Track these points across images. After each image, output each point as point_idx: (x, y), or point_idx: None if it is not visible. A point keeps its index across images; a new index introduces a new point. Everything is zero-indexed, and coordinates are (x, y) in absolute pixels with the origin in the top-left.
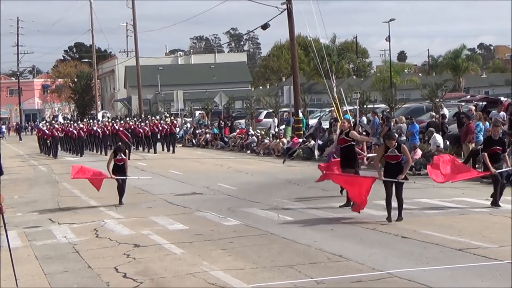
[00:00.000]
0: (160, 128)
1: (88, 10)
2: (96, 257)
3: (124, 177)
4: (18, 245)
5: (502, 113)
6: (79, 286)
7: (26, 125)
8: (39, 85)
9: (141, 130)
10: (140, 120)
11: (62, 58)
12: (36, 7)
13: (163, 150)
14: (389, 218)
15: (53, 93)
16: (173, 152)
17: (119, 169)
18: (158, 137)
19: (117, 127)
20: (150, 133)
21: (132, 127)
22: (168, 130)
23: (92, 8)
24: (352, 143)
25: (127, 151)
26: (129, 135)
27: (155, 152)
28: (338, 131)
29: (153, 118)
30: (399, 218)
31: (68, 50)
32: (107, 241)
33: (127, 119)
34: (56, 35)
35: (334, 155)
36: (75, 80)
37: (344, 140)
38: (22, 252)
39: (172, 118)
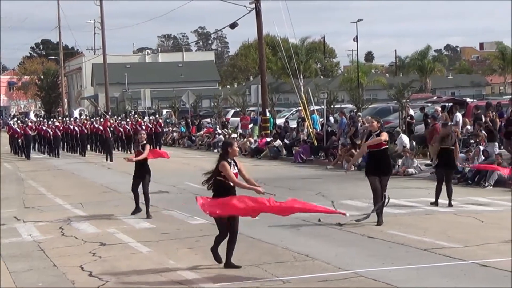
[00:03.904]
0: (144, 127)
1: (55, 7)
2: (62, 255)
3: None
4: None
5: (458, 113)
6: (44, 284)
7: None
8: (5, 82)
9: (121, 129)
10: (120, 118)
11: (29, 55)
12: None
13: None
14: (380, 221)
15: (19, 90)
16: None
17: (142, 169)
18: None
19: (97, 126)
20: (132, 133)
21: (113, 125)
22: (153, 129)
23: (60, 5)
24: (386, 146)
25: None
26: (110, 134)
27: None
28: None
29: (135, 116)
30: (378, 220)
31: (35, 47)
32: (73, 240)
33: (107, 116)
34: (23, 32)
35: (301, 154)
36: (42, 77)
37: (376, 144)
38: None
39: (156, 117)
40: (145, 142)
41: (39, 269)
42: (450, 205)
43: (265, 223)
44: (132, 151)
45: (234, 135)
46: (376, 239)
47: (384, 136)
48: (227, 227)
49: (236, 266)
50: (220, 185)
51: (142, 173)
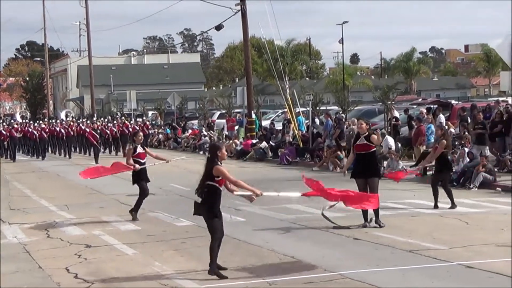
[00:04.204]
0: (131, 129)
1: (40, 8)
2: (47, 257)
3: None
4: None
5: (441, 115)
6: (30, 286)
7: None
8: None
9: (108, 131)
10: (107, 120)
11: (14, 56)
12: None
13: None
14: (365, 223)
15: (4, 92)
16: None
17: (144, 171)
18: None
19: (83, 128)
20: (119, 135)
21: (100, 127)
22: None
23: (45, 7)
24: (375, 149)
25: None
26: (98, 137)
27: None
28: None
29: (123, 118)
30: (377, 223)
31: (20, 49)
32: (58, 242)
33: (94, 118)
34: (8, 33)
35: (287, 156)
36: (27, 79)
37: (366, 146)
38: None
39: (143, 119)
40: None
41: (24, 271)
42: (453, 206)
43: (250, 225)
44: (116, 154)
45: (222, 139)
46: (362, 241)
47: (378, 137)
48: (221, 229)
49: (222, 268)
50: (213, 190)
51: (146, 175)
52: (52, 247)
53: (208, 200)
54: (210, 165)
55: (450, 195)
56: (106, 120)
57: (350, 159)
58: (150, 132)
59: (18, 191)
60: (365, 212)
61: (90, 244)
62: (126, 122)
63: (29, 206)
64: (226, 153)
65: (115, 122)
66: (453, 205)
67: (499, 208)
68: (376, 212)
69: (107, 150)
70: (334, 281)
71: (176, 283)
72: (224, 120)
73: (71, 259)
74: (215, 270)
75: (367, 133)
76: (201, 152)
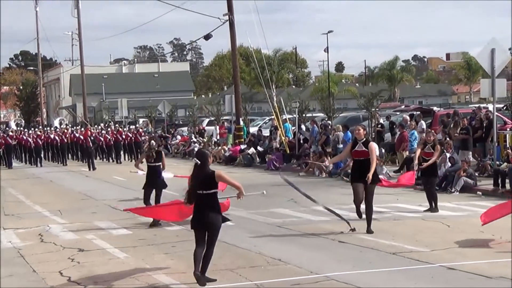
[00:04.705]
0: (124, 136)
1: (33, 19)
2: (41, 261)
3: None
4: None
5: (422, 121)
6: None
7: None
8: None
9: (102, 139)
10: (101, 127)
11: (8, 66)
12: None
13: (126, 159)
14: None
15: None
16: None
17: (155, 176)
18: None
19: (77, 135)
20: (112, 142)
21: (94, 135)
22: (133, 138)
23: (38, 17)
24: (370, 156)
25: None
26: (91, 144)
27: (119, 162)
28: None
29: (116, 125)
30: (368, 230)
31: (14, 58)
32: (52, 246)
33: (88, 126)
34: (2, 43)
35: (274, 162)
36: (21, 87)
37: (364, 152)
38: None
39: (136, 126)
40: (157, 149)
41: (19, 275)
42: (434, 209)
43: (238, 229)
44: (112, 161)
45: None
46: (347, 244)
47: (372, 146)
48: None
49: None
50: (216, 196)
51: (155, 180)
52: (45, 251)
53: (217, 208)
54: (206, 172)
55: (435, 199)
56: (99, 127)
57: (338, 157)
58: (142, 139)
59: (13, 197)
60: (359, 215)
61: (83, 248)
62: (120, 129)
63: (23, 211)
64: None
65: (109, 129)
66: (435, 209)
67: (479, 212)
68: (369, 217)
69: (103, 157)
70: (319, 283)
71: (166, 285)
72: (213, 127)
73: (64, 263)
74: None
75: (364, 139)
76: (191, 158)
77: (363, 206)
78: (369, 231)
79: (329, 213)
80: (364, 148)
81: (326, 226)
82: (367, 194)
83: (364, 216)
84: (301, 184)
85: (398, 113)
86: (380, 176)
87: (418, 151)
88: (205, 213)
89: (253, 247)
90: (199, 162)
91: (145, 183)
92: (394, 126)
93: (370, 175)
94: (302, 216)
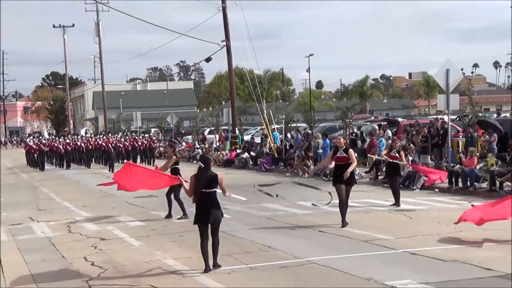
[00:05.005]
0: (140, 143)
1: (61, 45)
2: (69, 248)
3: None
4: (4, 239)
5: (388, 130)
6: (56, 272)
7: (8, 139)
8: (21, 107)
9: (121, 145)
10: (120, 136)
11: (40, 84)
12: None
13: (141, 163)
14: (344, 223)
15: (32, 113)
16: (153, 165)
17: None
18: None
19: (100, 142)
20: (130, 148)
21: (114, 142)
22: (147, 145)
23: (66, 43)
24: (351, 161)
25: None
26: (112, 149)
27: None
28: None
29: (133, 134)
30: (343, 222)
31: (45, 78)
32: (78, 236)
33: (109, 134)
34: (35, 65)
35: (265, 164)
36: (51, 103)
37: (345, 158)
38: (7, 245)
39: (150, 135)
40: (172, 155)
41: (50, 260)
42: (397, 204)
43: (235, 221)
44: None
45: (211, 151)
46: (326, 233)
47: (351, 153)
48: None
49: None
50: (215, 195)
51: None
52: (73, 240)
53: (217, 204)
54: (210, 173)
55: (397, 195)
56: (118, 136)
57: (323, 163)
58: (154, 145)
59: (45, 195)
60: (343, 213)
61: (104, 238)
62: (136, 137)
63: (54, 207)
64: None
65: (127, 137)
66: (398, 204)
67: (436, 206)
68: (344, 210)
69: (122, 161)
70: (303, 266)
71: (174, 268)
72: (213, 136)
73: (88, 250)
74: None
75: (344, 147)
76: (195, 162)
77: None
78: (344, 224)
79: (311, 207)
80: (344, 154)
81: (308, 219)
82: (347, 193)
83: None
84: (287, 183)
85: (368, 123)
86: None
87: (384, 152)
88: (207, 210)
89: (247, 236)
90: (203, 166)
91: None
92: (364, 135)
93: (348, 172)
94: (288, 210)
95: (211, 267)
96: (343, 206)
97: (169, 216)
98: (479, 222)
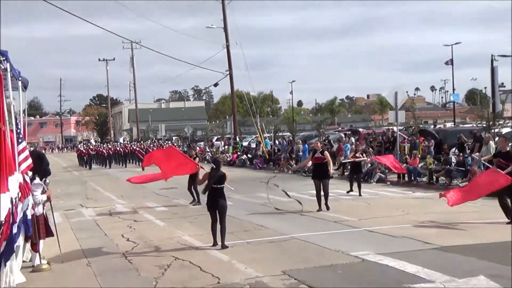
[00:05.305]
0: (165, 148)
1: (105, 73)
2: (110, 228)
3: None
4: (60, 221)
5: (352, 138)
6: (100, 246)
7: (64, 145)
8: (74, 121)
9: (150, 150)
10: (149, 142)
11: (89, 103)
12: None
13: None
14: (319, 209)
15: (82, 125)
16: None
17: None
18: None
19: (134, 147)
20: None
21: (145, 147)
22: None
23: (108, 72)
24: (326, 160)
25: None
26: (144, 153)
27: None
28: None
29: (159, 141)
30: (327, 207)
31: (93, 99)
32: (117, 218)
33: (141, 141)
34: (84, 89)
35: (259, 164)
36: (97, 117)
37: (321, 158)
38: (63, 225)
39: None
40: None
41: (96, 237)
42: (360, 194)
43: (236, 207)
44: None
45: (218, 154)
46: (305, 216)
47: (327, 154)
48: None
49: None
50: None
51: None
52: (113, 222)
53: (224, 196)
54: (221, 172)
55: (360, 187)
56: (148, 142)
57: (304, 163)
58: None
59: (92, 188)
60: (319, 200)
61: (136, 219)
62: (162, 143)
63: (99, 196)
64: None
65: (154, 143)
66: (356, 193)
67: (388, 195)
68: (326, 198)
69: None
70: (287, 241)
71: (190, 243)
72: (219, 142)
73: (124, 229)
74: (214, 239)
75: (321, 149)
76: (206, 162)
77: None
78: (327, 207)
79: (294, 195)
80: (321, 156)
81: (292, 205)
82: (324, 185)
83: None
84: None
85: (336, 132)
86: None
87: (351, 155)
88: (216, 200)
89: (245, 218)
90: (214, 166)
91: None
92: (332, 142)
93: (330, 171)
94: (276, 198)
95: (218, 243)
96: (319, 196)
97: (197, 203)
98: (453, 203)
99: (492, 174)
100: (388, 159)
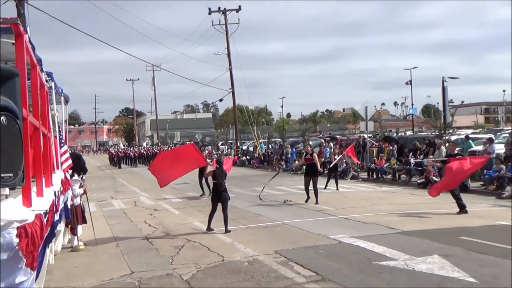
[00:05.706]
0: None
1: (131, 90)
2: (135, 216)
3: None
4: (94, 210)
5: (331, 143)
6: (127, 230)
7: (98, 148)
8: (106, 129)
9: None
10: (167, 146)
11: (118, 114)
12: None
13: None
14: (307, 200)
15: (113, 133)
16: None
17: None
18: None
19: (155, 150)
20: None
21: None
22: None
23: (133, 89)
24: (314, 161)
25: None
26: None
27: None
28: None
29: (176, 145)
30: (316, 201)
31: (121, 111)
32: (140, 208)
33: (160, 145)
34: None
35: (255, 164)
36: (125, 126)
37: (310, 159)
38: (97, 214)
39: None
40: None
41: (123, 223)
42: (337, 188)
43: (237, 198)
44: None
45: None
46: (294, 206)
47: (315, 156)
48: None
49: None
50: (220, 185)
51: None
52: (137, 211)
53: (226, 189)
54: (223, 170)
55: (337, 183)
56: (166, 146)
57: (297, 164)
58: None
59: (120, 182)
60: (307, 192)
61: (156, 209)
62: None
63: (126, 190)
64: None
65: (172, 147)
66: (337, 188)
67: (360, 189)
68: (316, 195)
69: None
70: (279, 226)
71: (200, 228)
72: (224, 146)
73: (146, 216)
74: (209, 226)
75: (311, 151)
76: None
77: (310, 189)
78: (317, 202)
79: (284, 190)
80: (310, 157)
81: (283, 197)
82: (314, 183)
83: (310, 195)
84: (269, 175)
85: (318, 139)
86: None
87: (333, 157)
88: (220, 193)
89: (245, 207)
90: (218, 166)
91: (199, 174)
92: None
93: (319, 168)
94: (271, 192)
95: (213, 229)
96: (307, 189)
97: (208, 194)
98: (434, 195)
99: (463, 162)
100: (351, 150)
